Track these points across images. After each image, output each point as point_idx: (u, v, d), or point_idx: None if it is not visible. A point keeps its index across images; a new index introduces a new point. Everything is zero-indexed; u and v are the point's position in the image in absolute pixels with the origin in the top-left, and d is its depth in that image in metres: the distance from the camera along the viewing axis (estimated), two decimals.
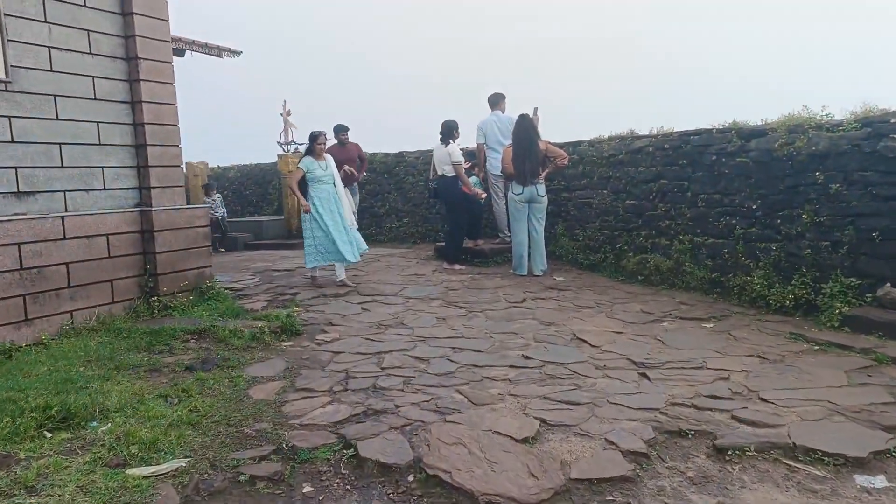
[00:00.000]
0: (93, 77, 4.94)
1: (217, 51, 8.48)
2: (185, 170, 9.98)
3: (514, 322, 5.26)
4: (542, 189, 7.01)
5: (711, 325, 5.05)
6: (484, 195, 7.40)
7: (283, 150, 11.98)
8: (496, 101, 7.92)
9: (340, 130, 8.64)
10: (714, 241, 5.90)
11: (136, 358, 4.21)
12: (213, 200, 10.63)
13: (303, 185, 6.54)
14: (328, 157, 6.69)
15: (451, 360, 4.23)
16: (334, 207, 6.53)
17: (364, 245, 6.88)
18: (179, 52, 8.37)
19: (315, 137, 6.57)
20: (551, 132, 8.11)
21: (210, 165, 13.20)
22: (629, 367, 4.06)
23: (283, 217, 11.31)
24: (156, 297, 5.20)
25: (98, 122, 5.02)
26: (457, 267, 7.50)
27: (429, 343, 4.66)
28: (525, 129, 6.87)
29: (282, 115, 12.01)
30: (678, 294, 6.05)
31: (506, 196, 8.03)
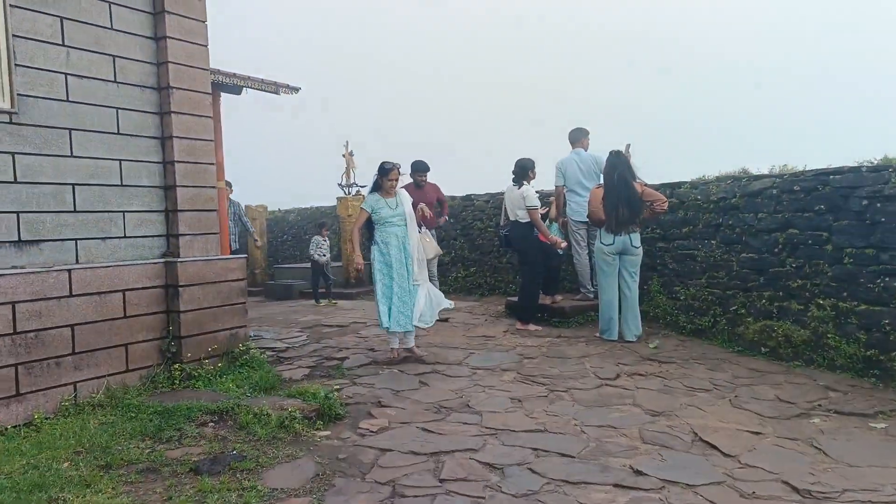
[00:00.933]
0: (117, 108, 4.31)
1: (274, 87, 7.95)
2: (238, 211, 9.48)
3: (611, 409, 4.12)
4: (636, 239, 5.89)
5: (884, 426, 3.74)
6: (564, 244, 6.34)
7: (345, 193, 11.35)
8: (577, 137, 6.93)
9: (419, 170, 7.30)
10: (868, 307, 4.59)
11: (135, 450, 3.35)
12: (324, 241, 9.38)
13: (369, 229, 5.49)
14: (402, 193, 5.47)
15: (534, 471, 3.15)
16: (402, 257, 5.31)
17: (444, 301, 5.63)
18: (236, 90, 7.90)
19: (386, 171, 5.29)
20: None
21: (270, 209, 12.78)
22: (791, 499, 2.84)
23: (340, 264, 10.59)
24: (178, 365, 4.39)
25: (121, 160, 4.36)
26: (531, 327, 6.42)
27: (502, 439, 3.58)
28: (619, 168, 5.81)
29: (344, 155, 11.44)
30: (820, 375, 4.73)
31: (589, 246, 6.93)
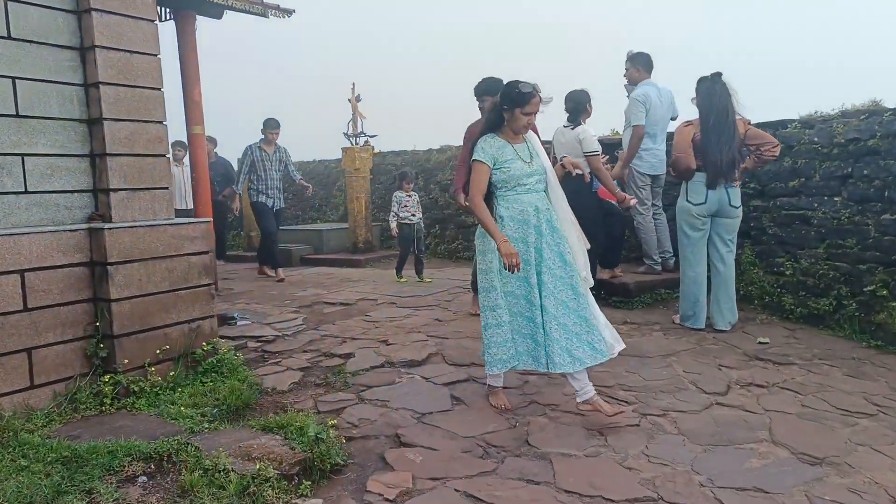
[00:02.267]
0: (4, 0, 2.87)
1: (262, 8, 6.44)
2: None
3: (742, 450, 2.76)
4: (736, 196, 4.43)
5: None
6: (634, 201, 4.86)
7: (352, 144, 9.87)
8: (651, 65, 5.39)
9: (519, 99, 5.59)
10: None
11: None
12: (409, 198, 6.87)
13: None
14: (532, 138, 3.25)
15: None
16: (554, 244, 3.10)
17: (609, 333, 3.20)
18: (216, 12, 6.40)
19: (523, 96, 3.01)
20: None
21: None
22: None
23: (347, 226, 9.19)
24: (110, 376, 3.07)
25: (15, 79, 2.95)
26: None
27: None
28: (720, 97, 4.31)
29: (350, 100, 9.90)
30: None
31: (654, 206, 5.50)
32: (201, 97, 6.58)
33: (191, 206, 8.20)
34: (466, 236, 8.62)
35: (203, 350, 3.47)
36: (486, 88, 4.44)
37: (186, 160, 8.35)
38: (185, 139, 6.95)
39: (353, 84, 10.01)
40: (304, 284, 6.99)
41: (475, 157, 3.11)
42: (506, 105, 3.08)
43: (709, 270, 4.58)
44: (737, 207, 4.45)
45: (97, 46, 3.15)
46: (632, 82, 5.44)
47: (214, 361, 3.48)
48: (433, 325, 4.82)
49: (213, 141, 8.76)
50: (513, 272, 2.90)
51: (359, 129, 10.00)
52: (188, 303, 3.42)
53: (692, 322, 4.56)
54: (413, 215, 6.86)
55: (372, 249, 9.01)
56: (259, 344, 4.44)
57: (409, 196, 6.92)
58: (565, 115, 5.00)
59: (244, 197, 9.35)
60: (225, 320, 5.21)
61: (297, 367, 3.90)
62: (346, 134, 9.97)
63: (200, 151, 6.61)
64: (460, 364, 3.89)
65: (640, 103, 5.14)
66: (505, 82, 3.21)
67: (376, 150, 10.02)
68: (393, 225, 6.85)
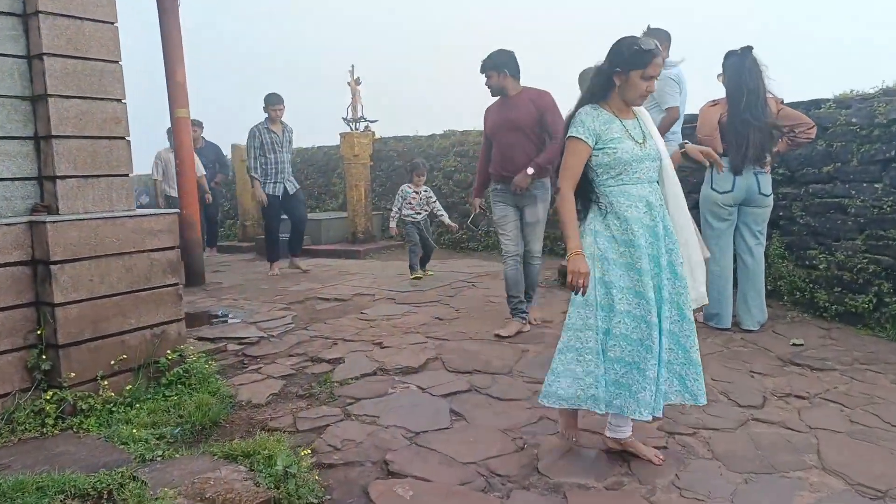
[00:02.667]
0: None
1: None
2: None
3: (787, 479, 2.34)
4: (766, 183, 4.00)
5: None
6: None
7: (351, 129, 9.43)
8: (670, 39, 4.92)
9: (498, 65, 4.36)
10: None
11: None
12: (417, 194, 6.25)
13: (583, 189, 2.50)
14: (643, 113, 2.60)
15: None
16: (667, 249, 2.43)
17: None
18: None
19: (635, 56, 2.35)
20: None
21: None
22: None
23: (346, 215, 8.78)
24: (55, 391, 2.67)
25: None
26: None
27: None
28: (750, 73, 3.85)
29: (349, 83, 9.44)
30: None
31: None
32: (185, 78, 6.16)
33: None
34: (470, 227, 8.18)
35: (168, 359, 3.08)
36: (494, 63, 4.01)
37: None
38: (174, 122, 6.53)
39: (353, 66, 9.55)
40: (297, 278, 6.60)
41: (572, 132, 2.42)
42: (619, 67, 2.36)
43: (734, 264, 4.15)
44: (767, 195, 4.00)
45: (41, 12, 2.73)
46: None
47: (181, 371, 3.08)
48: (433, 325, 4.41)
49: (199, 125, 8.35)
50: (576, 293, 2.33)
51: (359, 114, 9.54)
52: (151, 305, 3.02)
53: (717, 321, 4.13)
54: (418, 213, 6.21)
55: (372, 240, 8.59)
56: (240, 346, 4.05)
57: (418, 192, 6.24)
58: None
59: (236, 185, 8.92)
60: (208, 318, 4.83)
61: (280, 374, 3.50)
62: (345, 119, 9.52)
63: (185, 136, 6.19)
64: (462, 371, 3.48)
65: (675, 83, 4.67)
66: (622, 39, 2.39)
67: (377, 136, 9.58)
68: (392, 224, 6.28)
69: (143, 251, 2.98)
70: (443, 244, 8.49)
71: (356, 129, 9.40)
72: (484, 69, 4.03)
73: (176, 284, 3.15)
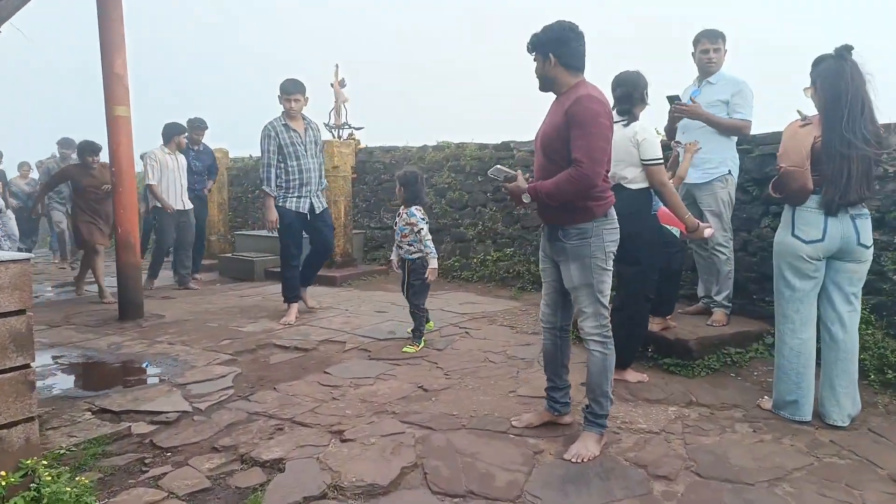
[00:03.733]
0: None
1: None
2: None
3: None
4: (867, 229, 2.99)
5: None
6: (711, 231, 3.41)
7: (334, 136, 8.39)
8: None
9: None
10: None
11: None
12: (400, 217, 4.48)
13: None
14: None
15: None
16: None
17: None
18: None
19: None
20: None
21: (234, 155, 9.84)
22: None
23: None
24: None
25: None
26: (631, 376, 3.59)
27: None
28: (852, 82, 2.85)
29: (332, 85, 8.42)
30: None
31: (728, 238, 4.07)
32: (126, 69, 5.09)
33: (189, 206, 6.75)
34: (465, 252, 7.15)
35: (8, 482, 1.99)
36: (537, 42, 2.72)
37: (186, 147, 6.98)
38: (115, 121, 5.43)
39: (337, 66, 8.55)
40: (258, 311, 5.52)
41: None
42: None
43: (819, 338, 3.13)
44: (867, 247, 2.99)
45: None
46: (711, 67, 4.06)
47: (28, 500, 2.00)
48: (414, 400, 3.34)
49: (203, 126, 7.26)
50: None
51: (342, 120, 8.54)
52: None
53: (793, 412, 3.10)
54: (409, 246, 4.39)
55: (351, 263, 7.52)
56: (151, 429, 2.96)
57: (400, 215, 4.46)
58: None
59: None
60: (124, 376, 3.75)
61: (188, 488, 2.41)
62: (327, 125, 8.50)
63: (124, 139, 5.11)
64: (451, 494, 2.41)
65: (752, 94, 3.67)
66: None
67: (362, 145, 8.55)
68: (393, 258, 4.58)
69: None
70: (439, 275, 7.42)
71: (338, 137, 8.38)
72: (529, 49, 2.83)
73: (24, 367, 2.07)
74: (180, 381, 3.63)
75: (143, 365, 3.94)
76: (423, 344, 4.36)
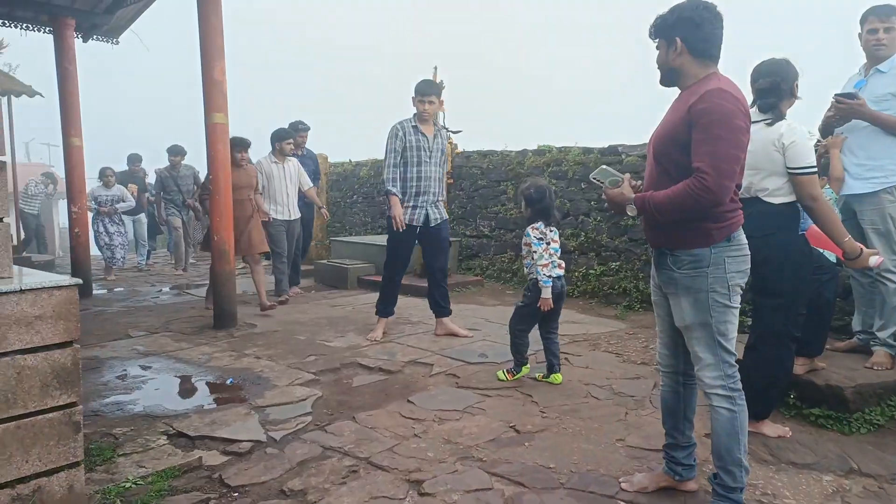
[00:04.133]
0: None
1: None
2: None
3: None
4: None
5: None
6: (879, 259, 2.74)
7: None
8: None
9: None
10: None
11: None
12: (525, 239, 3.83)
13: None
14: None
15: None
16: None
17: None
18: None
19: None
20: None
21: (333, 160, 9.86)
22: None
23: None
24: None
25: None
26: (768, 429, 2.97)
27: None
28: None
29: None
30: None
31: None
32: (224, 76, 5.07)
33: (296, 216, 6.52)
34: (565, 264, 6.62)
35: None
36: (661, 24, 2.20)
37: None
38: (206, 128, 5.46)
39: (436, 67, 8.27)
40: (346, 324, 5.33)
41: None
42: None
43: None
44: None
45: None
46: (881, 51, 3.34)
47: None
48: (504, 445, 2.93)
49: (303, 128, 7.15)
50: None
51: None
52: (16, 446, 1.77)
53: None
54: (528, 269, 3.85)
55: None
56: (222, 461, 2.76)
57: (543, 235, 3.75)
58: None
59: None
60: (210, 393, 3.63)
61: None
62: None
63: (221, 146, 5.10)
64: None
65: None
66: None
67: (459, 150, 8.24)
68: (543, 289, 3.72)
69: (3, 353, 1.73)
70: (514, 281, 6.97)
71: None
72: (651, 34, 2.31)
73: (69, 406, 1.88)
74: (260, 402, 3.44)
75: (228, 381, 3.81)
76: (521, 373, 3.88)
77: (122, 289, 7.55)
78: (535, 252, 3.71)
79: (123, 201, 8.58)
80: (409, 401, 3.51)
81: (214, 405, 3.42)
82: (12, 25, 6.31)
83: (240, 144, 5.74)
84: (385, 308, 4.95)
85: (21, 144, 9.29)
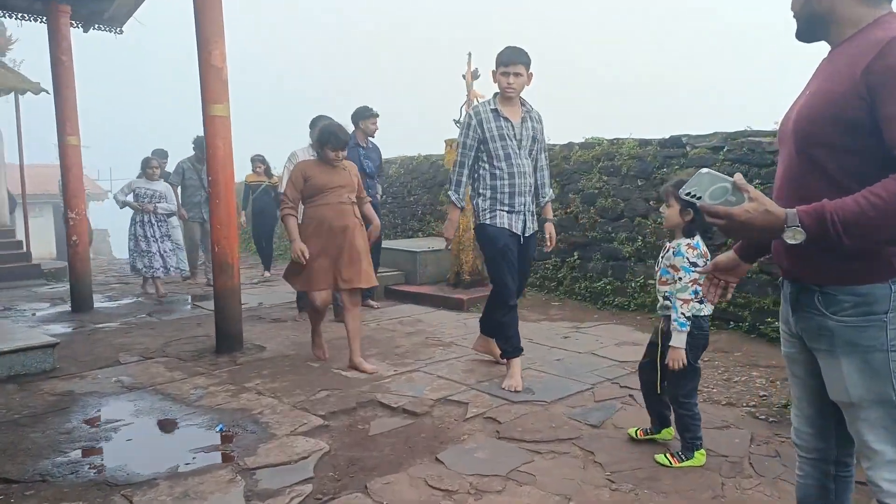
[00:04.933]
0: None
1: None
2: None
3: None
4: None
5: None
6: None
7: None
8: None
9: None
10: None
11: None
12: (676, 259, 2.60)
13: None
14: None
15: None
16: None
17: None
18: None
19: None
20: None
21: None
22: None
23: (446, 247, 6.70)
24: None
25: None
26: None
27: None
28: None
29: (464, 76, 7.41)
30: None
31: None
32: (225, 61, 4.40)
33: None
34: (619, 273, 5.80)
35: None
36: None
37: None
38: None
39: (469, 55, 7.51)
40: (368, 345, 4.62)
41: None
42: None
43: None
44: None
45: None
46: None
47: None
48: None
49: (370, 114, 5.94)
50: None
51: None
52: None
53: None
54: (667, 299, 2.65)
55: (481, 282, 6.44)
56: None
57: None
58: None
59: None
60: (194, 439, 2.95)
61: None
62: (457, 122, 7.51)
63: (221, 142, 4.43)
64: None
65: None
66: None
67: None
68: (676, 334, 2.59)
69: None
70: (576, 294, 6.15)
71: None
72: None
73: None
74: (250, 461, 2.74)
75: (217, 428, 3.12)
76: (694, 459, 2.66)
77: (129, 300, 6.99)
78: (680, 279, 2.57)
79: (166, 200, 6.95)
80: (437, 459, 2.76)
81: (193, 465, 2.73)
82: (6, 15, 5.79)
83: (336, 140, 3.89)
84: (510, 345, 3.74)
85: (31, 143, 8.65)
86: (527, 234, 3.72)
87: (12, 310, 6.46)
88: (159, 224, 6.88)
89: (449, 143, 6.55)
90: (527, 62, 3.59)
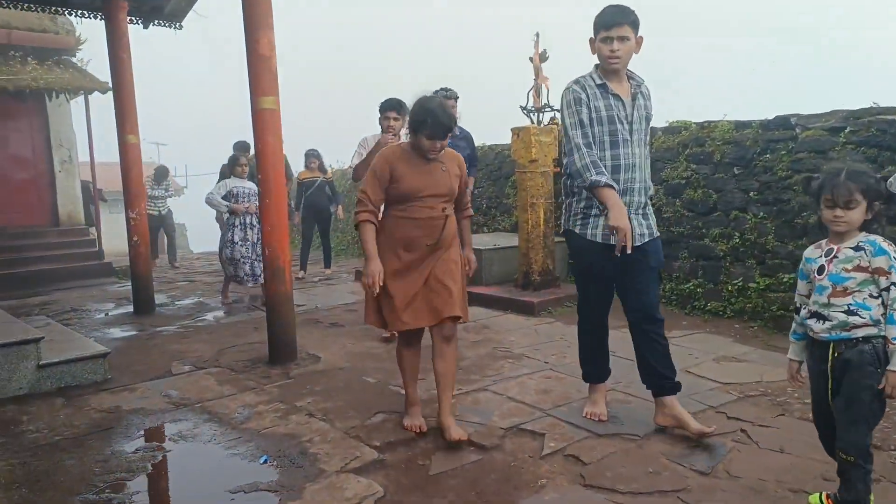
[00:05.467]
0: None
1: None
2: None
3: None
4: None
5: None
6: None
7: (532, 121, 6.84)
8: None
9: None
10: None
11: None
12: (874, 260, 2.00)
13: None
14: None
15: None
16: None
17: None
18: None
19: None
20: None
21: None
22: None
23: (516, 244, 6.19)
24: None
25: None
26: None
27: None
28: None
29: (531, 59, 6.84)
30: None
31: None
32: (273, 50, 4.06)
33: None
34: (711, 274, 5.13)
35: None
36: None
37: None
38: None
39: (537, 35, 6.93)
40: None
41: None
42: None
43: None
44: None
45: None
46: None
47: None
48: None
49: (451, 95, 5.34)
50: None
51: (542, 101, 6.93)
52: None
53: None
54: (852, 314, 2.02)
55: (553, 283, 5.92)
56: None
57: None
58: None
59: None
60: (234, 474, 2.62)
61: None
62: (524, 108, 6.95)
63: (271, 139, 4.10)
64: None
65: None
66: None
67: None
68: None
69: None
70: (666, 297, 5.51)
71: (538, 122, 6.78)
72: None
73: None
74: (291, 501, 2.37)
75: (261, 460, 2.78)
76: None
77: (191, 301, 6.88)
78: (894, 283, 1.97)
79: (256, 198, 5.99)
80: None
81: None
82: (65, 12, 5.70)
83: (440, 129, 2.80)
84: (590, 369, 3.25)
85: (99, 142, 8.70)
86: (636, 242, 2.85)
87: (78, 311, 6.46)
88: (257, 227, 5.95)
89: (515, 131, 6.03)
90: (635, 22, 2.81)
